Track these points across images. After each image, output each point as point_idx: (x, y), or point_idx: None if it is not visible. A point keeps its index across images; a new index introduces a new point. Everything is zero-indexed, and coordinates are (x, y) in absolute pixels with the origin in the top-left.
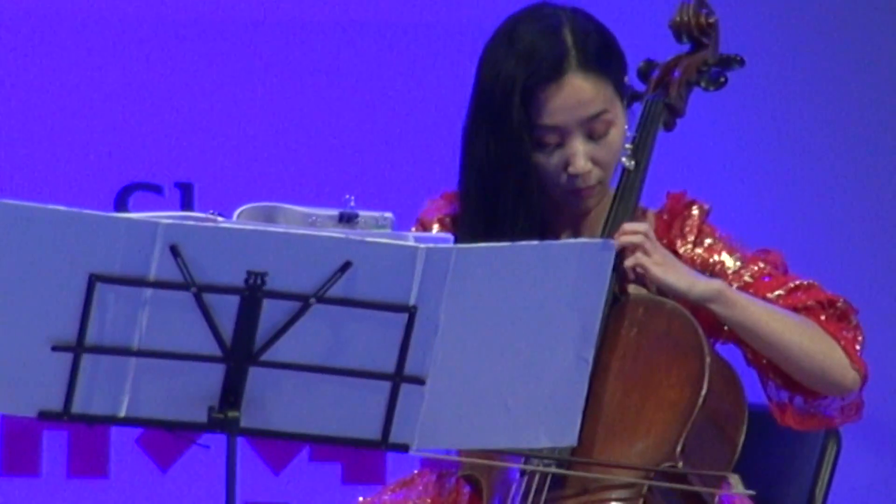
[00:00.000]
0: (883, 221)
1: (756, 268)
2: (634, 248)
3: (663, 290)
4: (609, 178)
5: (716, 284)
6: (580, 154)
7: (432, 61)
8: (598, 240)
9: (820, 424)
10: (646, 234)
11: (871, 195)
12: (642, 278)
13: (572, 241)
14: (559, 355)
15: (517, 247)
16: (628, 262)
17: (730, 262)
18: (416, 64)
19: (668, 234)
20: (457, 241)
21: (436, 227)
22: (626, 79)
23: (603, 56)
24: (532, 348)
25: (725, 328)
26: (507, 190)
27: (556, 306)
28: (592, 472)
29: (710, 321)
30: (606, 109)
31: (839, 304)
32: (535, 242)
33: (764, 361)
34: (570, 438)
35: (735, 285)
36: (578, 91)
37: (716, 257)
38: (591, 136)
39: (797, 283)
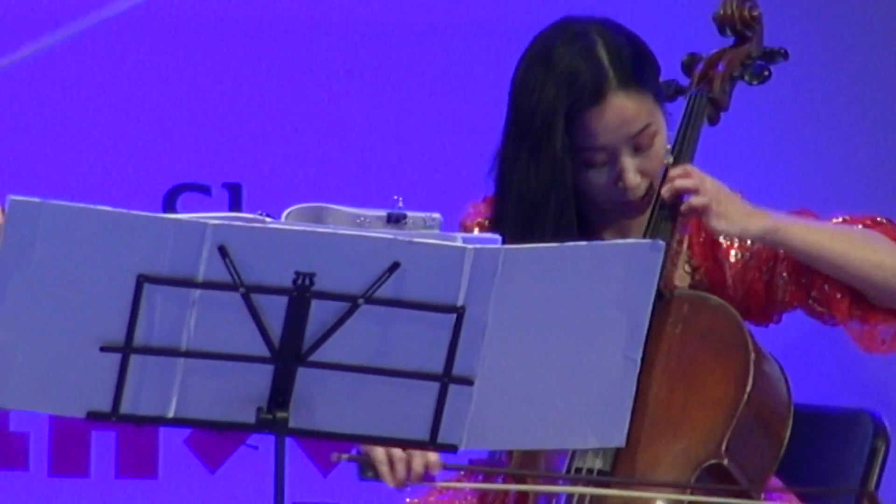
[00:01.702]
0: None
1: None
2: (680, 192)
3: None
4: (657, 181)
5: (769, 221)
6: (630, 170)
7: (483, 60)
8: (646, 240)
9: None
10: (686, 175)
11: None
12: (700, 216)
13: (620, 241)
14: (607, 356)
15: (565, 247)
16: (683, 208)
17: None
18: (466, 64)
19: (704, 227)
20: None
21: (476, 231)
22: (660, 79)
23: (639, 68)
24: (580, 349)
25: (784, 294)
26: (547, 211)
27: (603, 307)
28: (633, 478)
29: (763, 303)
30: (650, 123)
31: (883, 219)
32: (583, 243)
33: (838, 296)
34: (619, 439)
35: (779, 252)
36: (622, 110)
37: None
38: (638, 150)
39: (840, 218)
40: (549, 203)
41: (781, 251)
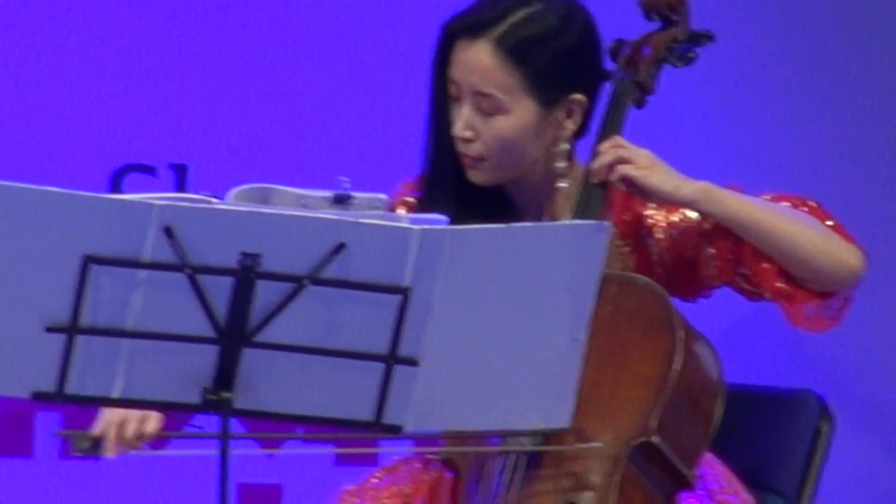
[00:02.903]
0: (855, 196)
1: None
2: (612, 164)
3: (650, 196)
4: (496, 163)
5: (702, 184)
6: (460, 118)
7: (428, 39)
8: (593, 221)
9: (825, 326)
10: (617, 146)
11: (844, 172)
12: (632, 186)
13: (567, 222)
14: (552, 337)
15: (512, 228)
16: (613, 177)
17: (692, 212)
18: (411, 43)
19: (630, 204)
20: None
21: (401, 210)
22: (578, 98)
23: (531, 54)
24: (526, 329)
25: (710, 269)
26: (431, 143)
27: (549, 287)
28: (568, 451)
29: (690, 279)
30: (499, 97)
31: (811, 202)
32: (530, 224)
33: (765, 266)
34: (564, 420)
35: (705, 227)
36: (479, 61)
37: (678, 214)
38: (482, 111)
39: (768, 195)
40: (437, 127)
41: (707, 226)
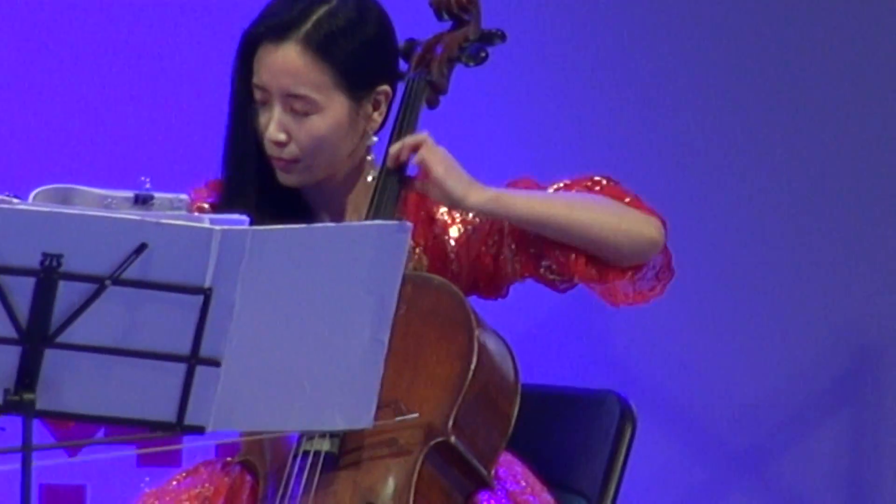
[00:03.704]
0: (652, 197)
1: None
2: (417, 144)
3: (442, 197)
4: (312, 165)
5: (491, 192)
6: (273, 121)
7: (232, 45)
8: (393, 222)
9: (647, 297)
10: (426, 139)
11: (638, 168)
12: (425, 179)
13: (369, 223)
14: (355, 337)
15: (313, 228)
16: (415, 159)
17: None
18: (216, 48)
19: (424, 202)
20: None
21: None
22: (384, 89)
23: (339, 48)
24: (328, 330)
25: (513, 266)
26: (234, 149)
27: (351, 288)
28: (364, 448)
29: (491, 277)
30: (310, 95)
31: (604, 180)
32: (331, 224)
33: (573, 257)
34: (367, 420)
35: (502, 225)
36: (288, 62)
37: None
38: (293, 112)
39: (561, 183)
40: (235, 136)
41: (506, 224)
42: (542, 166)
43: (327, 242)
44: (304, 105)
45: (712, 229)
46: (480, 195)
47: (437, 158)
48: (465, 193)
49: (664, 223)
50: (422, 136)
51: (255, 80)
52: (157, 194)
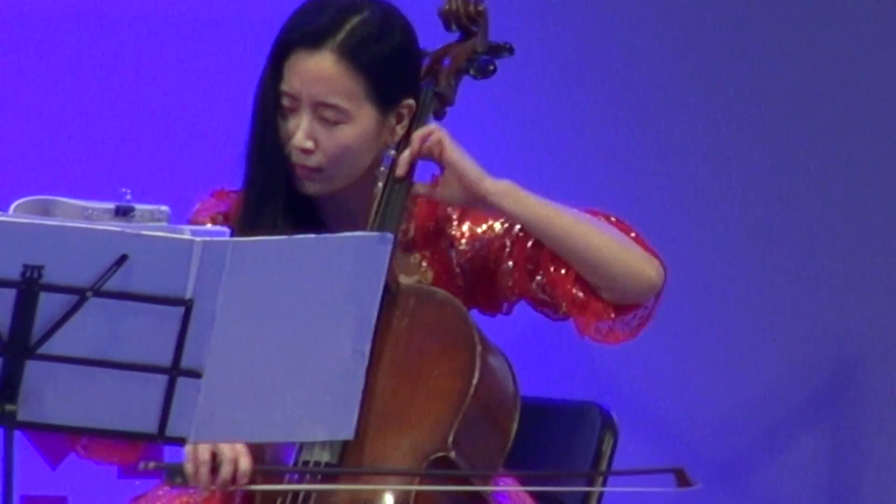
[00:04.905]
0: (655, 211)
1: None
2: (428, 133)
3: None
4: (334, 174)
5: (505, 181)
6: (301, 129)
7: (217, 55)
8: (374, 233)
9: (618, 339)
10: (437, 127)
11: (647, 184)
12: (435, 185)
13: (349, 234)
14: (336, 348)
15: (294, 240)
16: (431, 141)
17: (498, 225)
18: (194, 58)
19: (434, 214)
20: (233, 235)
21: (209, 225)
22: (409, 102)
23: (371, 56)
24: (309, 341)
25: (508, 282)
26: (261, 156)
27: (332, 299)
28: (363, 473)
29: (490, 292)
30: (342, 106)
31: (613, 217)
32: (311, 236)
33: (563, 272)
34: (348, 431)
35: (508, 241)
36: (323, 69)
37: (483, 226)
38: (322, 121)
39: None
40: (262, 144)
41: (508, 243)
42: (546, 181)
43: (308, 254)
44: (334, 114)
45: (692, 242)
46: (495, 181)
47: (452, 142)
48: (479, 177)
49: (665, 268)
50: (431, 125)
51: (285, 87)
52: (137, 206)
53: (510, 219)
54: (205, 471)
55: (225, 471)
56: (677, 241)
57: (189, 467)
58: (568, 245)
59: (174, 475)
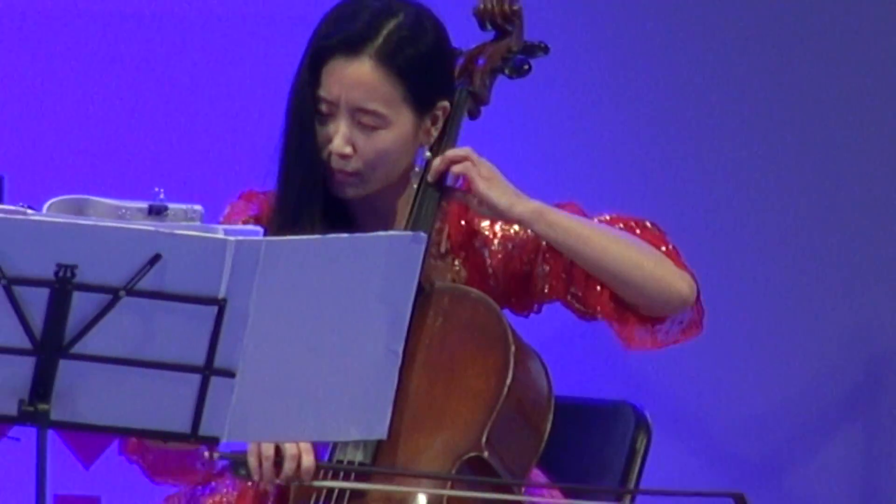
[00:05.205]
0: (688, 211)
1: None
2: (461, 158)
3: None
4: (371, 178)
5: (535, 204)
6: (340, 134)
7: (246, 55)
8: (408, 233)
9: (663, 345)
10: (469, 153)
11: (676, 185)
12: (466, 193)
13: (382, 233)
14: (369, 348)
15: (327, 239)
16: (456, 169)
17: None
18: (232, 58)
19: (467, 214)
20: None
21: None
22: (444, 104)
23: (407, 61)
24: (342, 341)
25: (543, 286)
26: (298, 160)
27: (365, 299)
28: (396, 468)
29: (523, 293)
30: (381, 112)
31: (649, 224)
32: (344, 235)
33: (598, 289)
34: (381, 431)
35: (543, 242)
36: (362, 76)
37: (516, 226)
38: (360, 127)
39: (605, 216)
40: (298, 147)
41: (544, 244)
42: (579, 182)
43: (342, 253)
44: (372, 119)
45: (725, 242)
46: (526, 206)
47: (479, 172)
48: (510, 204)
49: (697, 282)
50: (464, 150)
51: (323, 92)
52: (171, 205)
53: (542, 239)
54: (268, 465)
55: (288, 467)
56: (713, 242)
57: (252, 461)
58: (599, 267)
59: (239, 466)
